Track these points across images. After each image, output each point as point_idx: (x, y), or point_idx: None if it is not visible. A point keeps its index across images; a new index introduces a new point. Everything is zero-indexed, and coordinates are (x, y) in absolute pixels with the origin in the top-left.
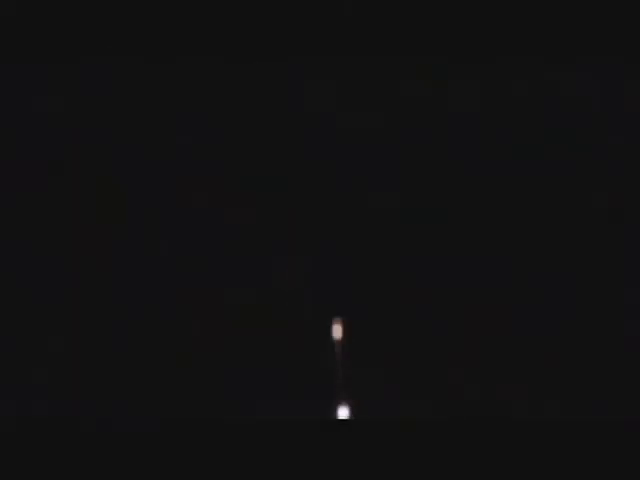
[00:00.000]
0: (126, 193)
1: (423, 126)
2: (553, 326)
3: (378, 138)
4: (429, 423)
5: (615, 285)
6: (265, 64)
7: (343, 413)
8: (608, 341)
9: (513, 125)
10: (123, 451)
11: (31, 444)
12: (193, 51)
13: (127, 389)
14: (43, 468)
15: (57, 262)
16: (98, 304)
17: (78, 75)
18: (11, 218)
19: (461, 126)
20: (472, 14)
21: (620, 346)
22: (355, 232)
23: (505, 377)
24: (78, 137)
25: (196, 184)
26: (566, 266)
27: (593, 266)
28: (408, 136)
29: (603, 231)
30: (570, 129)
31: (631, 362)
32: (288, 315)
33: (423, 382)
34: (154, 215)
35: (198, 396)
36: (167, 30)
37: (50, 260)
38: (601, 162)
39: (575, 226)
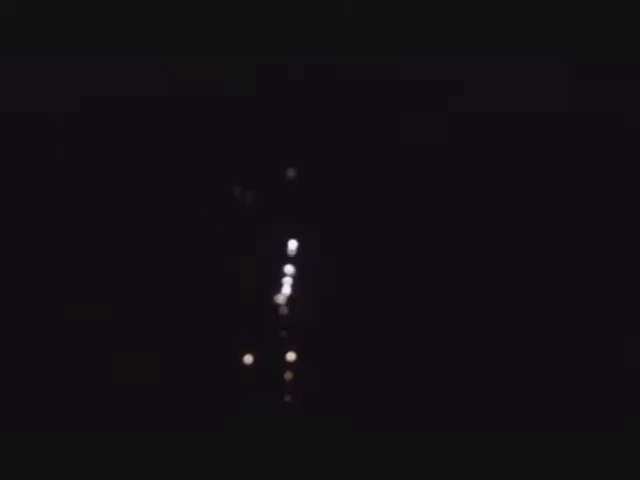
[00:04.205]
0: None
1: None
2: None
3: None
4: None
5: (614, 287)
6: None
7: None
8: (607, 343)
9: (512, 125)
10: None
11: (31, 444)
12: (192, 51)
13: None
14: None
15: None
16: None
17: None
18: (11, 218)
19: (459, 126)
20: (472, 14)
21: (619, 349)
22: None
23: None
24: (77, 136)
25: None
26: (562, 269)
27: (593, 267)
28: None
29: (602, 232)
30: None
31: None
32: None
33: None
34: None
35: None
36: (166, 30)
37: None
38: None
39: (574, 227)
